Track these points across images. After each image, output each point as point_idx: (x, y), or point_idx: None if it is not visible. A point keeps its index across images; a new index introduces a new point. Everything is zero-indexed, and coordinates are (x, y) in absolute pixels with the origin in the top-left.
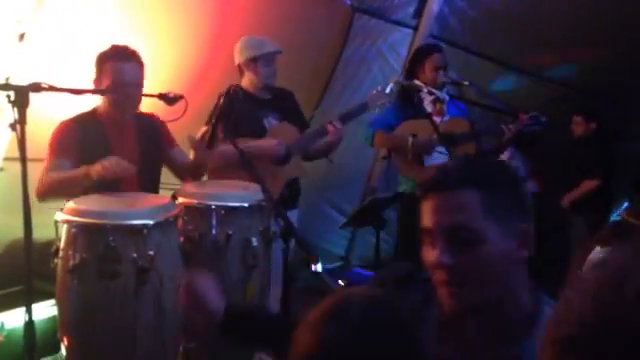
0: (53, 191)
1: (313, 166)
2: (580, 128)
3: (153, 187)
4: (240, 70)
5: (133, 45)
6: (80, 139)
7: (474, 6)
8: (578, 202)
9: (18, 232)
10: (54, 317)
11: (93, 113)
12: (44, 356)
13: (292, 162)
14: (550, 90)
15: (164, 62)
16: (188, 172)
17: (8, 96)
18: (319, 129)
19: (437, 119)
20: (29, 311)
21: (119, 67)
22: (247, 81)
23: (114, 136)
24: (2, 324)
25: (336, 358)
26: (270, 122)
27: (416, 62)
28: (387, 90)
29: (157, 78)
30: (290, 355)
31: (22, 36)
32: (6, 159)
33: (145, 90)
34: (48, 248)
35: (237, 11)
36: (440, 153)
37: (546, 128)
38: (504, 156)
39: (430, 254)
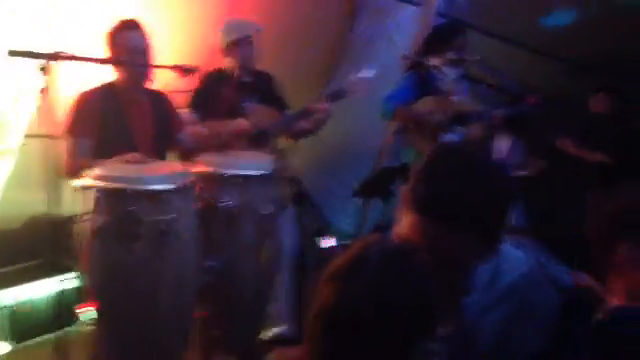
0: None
1: (323, 145)
2: (602, 105)
3: None
4: (223, 54)
5: (148, 21)
6: (99, 112)
7: None
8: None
9: (38, 207)
10: (74, 289)
11: (111, 86)
12: (67, 325)
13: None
14: (563, 67)
15: (178, 39)
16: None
17: (39, 64)
18: (301, 111)
19: (455, 98)
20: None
21: (127, 35)
22: (228, 64)
23: (131, 111)
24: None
25: (354, 311)
26: (249, 105)
27: (439, 40)
28: (371, 75)
29: (172, 54)
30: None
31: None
32: (26, 136)
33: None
34: (70, 223)
35: None
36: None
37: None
38: (502, 145)
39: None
